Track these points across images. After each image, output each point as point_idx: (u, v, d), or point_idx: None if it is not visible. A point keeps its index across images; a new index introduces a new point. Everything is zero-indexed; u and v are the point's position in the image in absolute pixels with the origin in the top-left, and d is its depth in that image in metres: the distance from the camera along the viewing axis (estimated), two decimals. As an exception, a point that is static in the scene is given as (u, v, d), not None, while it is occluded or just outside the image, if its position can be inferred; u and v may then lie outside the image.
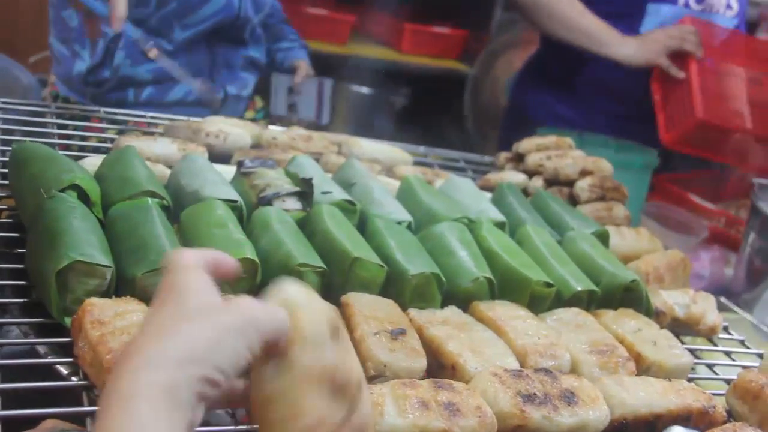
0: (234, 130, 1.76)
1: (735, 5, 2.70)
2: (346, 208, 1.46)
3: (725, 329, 1.61)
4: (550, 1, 2.51)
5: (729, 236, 2.58)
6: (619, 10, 2.57)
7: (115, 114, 1.83)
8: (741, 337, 1.59)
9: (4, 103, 1.74)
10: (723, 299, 1.91)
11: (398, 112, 4.45)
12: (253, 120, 2.63)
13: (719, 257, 2.40)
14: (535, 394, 1.08)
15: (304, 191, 1.45)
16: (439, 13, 4.53)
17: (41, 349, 1.11)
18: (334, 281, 1.28)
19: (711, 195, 2.92)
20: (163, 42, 2.20)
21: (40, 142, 1.59)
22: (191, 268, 0.74)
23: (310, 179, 1.46)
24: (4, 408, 0.96)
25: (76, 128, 1.77)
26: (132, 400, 0.63)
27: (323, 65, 4.16)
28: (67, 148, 1.66)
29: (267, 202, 1.42)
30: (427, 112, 4.52)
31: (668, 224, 2.53)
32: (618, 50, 2.46)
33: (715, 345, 1.55)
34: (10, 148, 1.52)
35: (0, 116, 1.69)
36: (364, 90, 4.25)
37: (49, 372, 1.07)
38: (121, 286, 1.15)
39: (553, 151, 1.97)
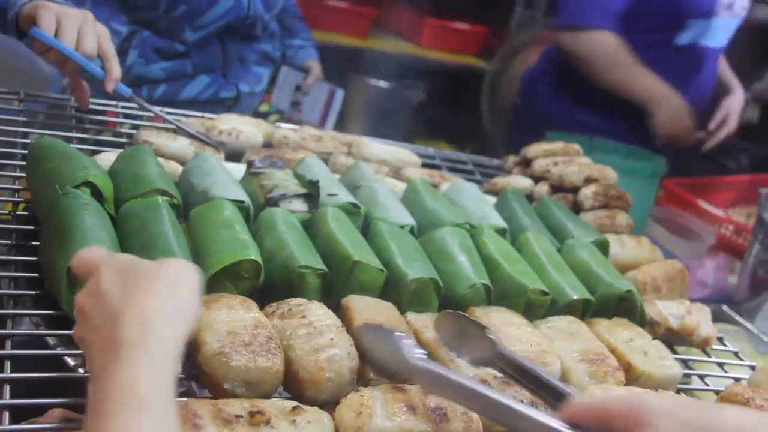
0: (246, 129, 1.80)
1: (747, 5, 2.74)
2: (351, 210, 1.50)
3: (720, 340, 1.63)
4: (610, 56, 2.62)
5: (736, 244, 2.60)
6: (658, 26, 2.67)
7: (131, 109, 1.87)
8: (735, 349, 1.62)
9: (26, 94, 1.79)
10: (725, 307, 1.94)
11: (415, 107, 4.48)
12: (267, 113, 2.67)
13: (724, 265, 2.43)
14: (522, 401, 1.11)
15: (311, 193, 1.49)
16: (460, 9, 4.55)
17: (50, 341, 1.16)
18: (335, 283, 1.32)
19: (722, 201, 2.95)
20: (175, 43, 2.23)
21: (58, 135, 1.65)
22: None
23: (317, 181, 1.50)
24: (13, 396, 1.01)
25: (92, 122, 1.82)
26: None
27: (342, 58, 4.20)
28: (83, 140, 1.71)
29: (274, 202, 1.46)
30: (444, 108, 4.55)
31: (675, 230, 2.55)
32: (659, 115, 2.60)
33: (709, 356, 1.57)
34: (29, 141, 1.58)
35: (22, 108, 1.74)
36: (382, 84, 4.28)
37: (57, 363, 1.12)
38: (129, 282, 1.20)
39: (560, 157, 2.00)
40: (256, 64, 2.43)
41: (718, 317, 1.79)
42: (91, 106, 1.81)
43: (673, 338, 1.53)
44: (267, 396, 1.07)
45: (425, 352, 1.01)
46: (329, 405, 1.07)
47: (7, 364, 1.05)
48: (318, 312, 1.17)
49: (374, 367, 1.12)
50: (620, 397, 0.94)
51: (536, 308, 1.41)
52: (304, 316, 1.15)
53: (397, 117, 4.30)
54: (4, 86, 1.78)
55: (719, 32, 2.71)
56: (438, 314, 1.24)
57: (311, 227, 1.43)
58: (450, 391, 0.96)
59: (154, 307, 0.83)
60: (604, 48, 2.61)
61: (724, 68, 2.99)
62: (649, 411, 0.81)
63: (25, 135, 1.64)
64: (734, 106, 2.95)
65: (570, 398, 0.94)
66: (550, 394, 1.01)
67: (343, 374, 1.09)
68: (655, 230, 2.50)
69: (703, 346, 1.56)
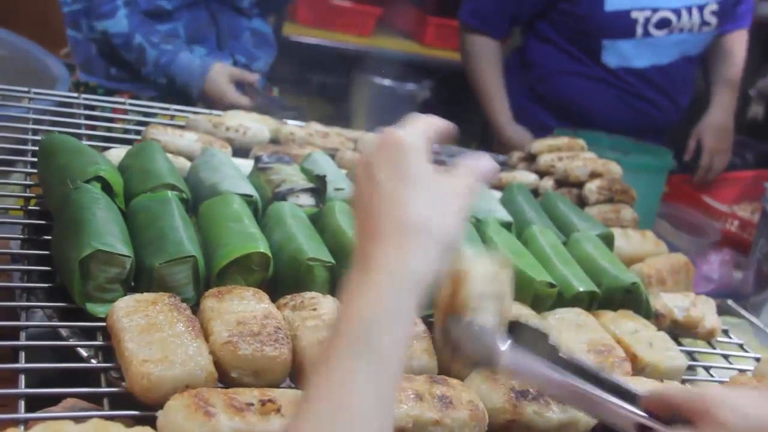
0: (254, 125, 1.82)
1: (713, 20, 2.65)
2: (358, 204, 1.51)
3: (725, 333, 1.64)
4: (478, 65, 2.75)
5: (741, 239, 2.61)
6: (579, 47, 2.65)
7: (139, 105, 1.89)
8: (740, 341, 1.63)
9: (35, 93, 1.81)
10: (730, 302, 1.94)
11: (420, 105, 4.48)
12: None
13: (729, 260, 2.44)
14: (528, 390, 1.13)
15: (318, 188, 1.51)
16: (464, 8, 4.55)
17: (63, 332, 1.17)
18: (342, 276, 1.33)
19: (727, 197, 2.95)
20: (161, 2, 2.27)
21: (68, 132, 1.66)
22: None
23: (324, 176, 1.52)
24: (28, 386, 1.02)
25: (100, 119, 1.84)
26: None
27: (347, 56, 4.21)
28: (92, 137, 1.73)
29: (282, 197, 1.47)
30: (449, 106, 4.55)
31: (681, 226, 2.57)
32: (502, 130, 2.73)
33: (714, 348, 1.58)
34: (39, 138, 1.60)
35: (31, 106, 1.76)
36: (387, 82, 4.29)
37: (70, 354, 1.14)
38: (140, 274, 1.22)
39: (565, 152, 2.01)
40: (254, 47, 2.48)
41: (723, 311, 1.79)
42: (99, 104, 1.83)
43: (678, 330, 1.54)
44: (274, 385, 1.08)
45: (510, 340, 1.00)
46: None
47: (22, 355, 1.06)
48: (329, 306, 1.19)
49: (463, 358, 1.13)
50: (681, 389, 1.01)
51: (543, 300, 1.43)
52: (314, 309, 1.16)
53: (402, 115, 4.30)
54: (13, 85, 1.80)
55: (657, 50, 2.61)
56: None
57: (319, 221, 1.44)
58: (536, 380, 0.99)
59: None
60: (476, 52, 2.74)
61: (718, 82, 2.87)
62: (708, 401, 0.85)
63: (35, 132, 1.66)
64: (702, 131, 2.81)
65: (639, 395, 0.94)
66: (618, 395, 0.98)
67: None
68: (661, 226, 2.51)
69: (708, 338, 1.56)
